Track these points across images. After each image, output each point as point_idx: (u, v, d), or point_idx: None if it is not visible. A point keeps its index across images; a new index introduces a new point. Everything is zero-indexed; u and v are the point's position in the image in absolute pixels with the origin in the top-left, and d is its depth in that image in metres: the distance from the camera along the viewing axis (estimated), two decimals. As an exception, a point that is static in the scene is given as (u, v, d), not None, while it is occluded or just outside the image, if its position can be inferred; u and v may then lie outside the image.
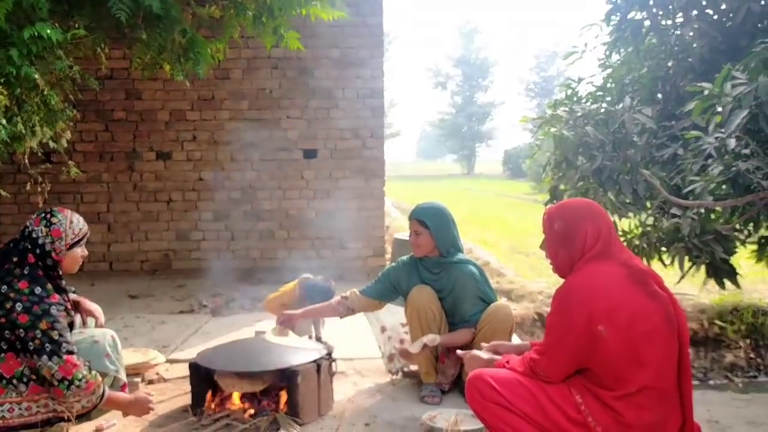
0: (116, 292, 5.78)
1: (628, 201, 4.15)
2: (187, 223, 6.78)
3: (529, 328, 4.97)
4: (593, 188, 4.23)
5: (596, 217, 2.11)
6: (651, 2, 4.48)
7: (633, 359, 1.95)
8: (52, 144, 3.90)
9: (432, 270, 3.25)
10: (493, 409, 2.10)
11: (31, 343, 2.37)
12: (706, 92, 3.27)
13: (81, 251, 2.65)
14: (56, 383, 2.38)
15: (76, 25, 3.22)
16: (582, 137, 4.10)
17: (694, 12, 4.34)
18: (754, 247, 4.13)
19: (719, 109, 3.19)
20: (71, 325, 2.68)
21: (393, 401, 3.15)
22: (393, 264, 3.44)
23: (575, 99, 4.88)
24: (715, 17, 4.33)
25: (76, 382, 2.39)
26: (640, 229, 4.26)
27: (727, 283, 4.06)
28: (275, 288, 3.78)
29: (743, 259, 4.35)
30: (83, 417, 2.55)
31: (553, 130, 4.44)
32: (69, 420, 2.48)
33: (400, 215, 11.43)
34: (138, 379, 3.31)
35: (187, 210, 6.77)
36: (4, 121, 3.03)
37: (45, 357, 2.37)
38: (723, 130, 3.19)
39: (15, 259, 2.49)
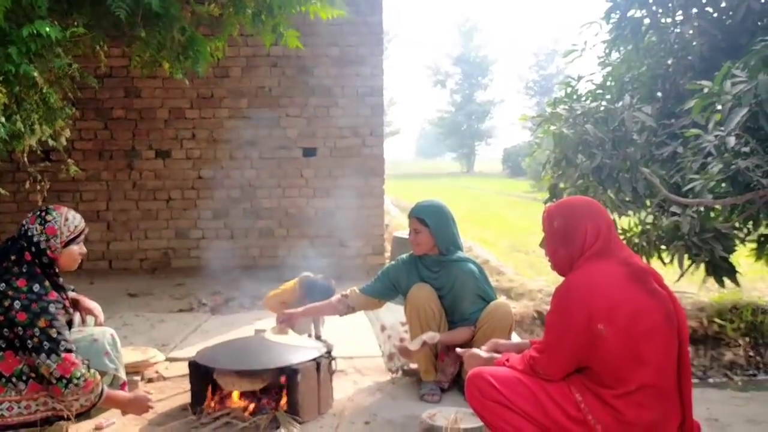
0: (115, 290, 5.78)
1: (627, 199, 4.15)
2: (186, 222, 6.78)
3: (529, 326, 4.97)
4: (593, 186, 4.23)
5: (596, 216, 2.11)
6: (651, 0, 4.48)
7: (633, 357, 1.95)
8: (51, 142, 3.89)
9: (431, 268, 3.24)
10: (493, 407, 2.10)
11: (29, 341, 2.37)
12: (705, 90, 3.27)
13: (78, 249, 2.64)
14: (54, 381, 2.38)
15: (75, 23, 3.22)
16: (582, 135, 4.10)
17: (694, 10, 4.34)
18: (754, 245, 4.14)
19: (719, 107, 3.19)
20: (70, 323, 2.68)
21: (393, 399, 3.15)
22: (392, 262, 3.44)
23: (575, 97, 4.88)
24: (715, 15, 4.33)
25: (75, 381, 2.39)
26: (640, 228, 4.26)
27: (727, 281, 4.06)
28: (275, 286, 3.78)
29: (743, 257, 4.35)
30: (83, 415, 2.55)
31: (552, 128, 4.44)
32: (68, 419, 2.48)
33: (400, 213, 11.43)
34: (137, 378, 3.31)
35: (186, 208, 6.76)
36: (3, 119, 3.02)
37: (43, 355, 2.36)
38: (723, 128, 3.19)
39: (13, 258, 2.49)
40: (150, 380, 3.41)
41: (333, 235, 6.69)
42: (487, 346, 2.48)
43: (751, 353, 4.59)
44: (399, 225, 8.66)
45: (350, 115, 6.73)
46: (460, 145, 49.05)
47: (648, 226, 4.19)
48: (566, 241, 2.11)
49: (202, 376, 2.88)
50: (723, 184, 3.56)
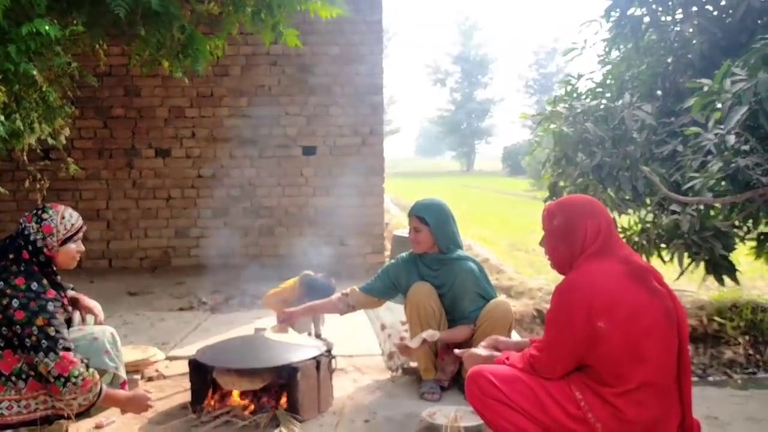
0: (115, 289, 5.77)
1: (627, 197, 4.15)
2: (186, 220, 6.78)
3: (529, 324, 4.97)
4: (593, 185, 4.22)
5: (596, 214, 2.11)
6: (651, -2, 4.49)
7: (633, 355, 1.95)
8: (50, 141, 3.89)
9: (431, 266, 3.24)
10: (493, 405, 2.10)
11: (27, 340, 2.37)
12: (705, 89, 3.27)
13: (76, 247, 2.63)
14: (52, 380, 2.38)
15: (75, 22, 3.22)
16: (581, 134, 4.10)
17: (694, 8, 4.34)
18: (753, 243, 4.15)
19: (719, 105, 3.19)
20: (69, 322, 2.68)
21: (392, 398, 3.15)
22: (392, 261, 3.44)
23: (575, 95, 4.88)
24: (715, 13, 4.33)
25: (73, 379, 2.39)
26: (640, 226, 4.27)
27: (727, 279, 4.07)
28: (275, 285, 3.78)
29: (742, 255, 4.36)
30: (83, 414, 2.55)
31: (552, 126, 4.44)
32: (69, 417, 2.48)
33: (400, 212, 11.43)
34: (137, 376, 3.30)
35: (186, 207, 6.76)
36: (2, 118, 3.02)
37: (41, 353, 2.36)
38: (722, 126, 3.19)
39: (11, 256, 2.49)
40: (150, 379, 3.41)
41: (333, 234, 6.69)
42: (486, 341, 2.48)
43: (751, 351, 4.59)
44: (399, 223, 8.67)
45: (350, 114, 6.73)
46: (460, 144, 49.06)
47: (648, 225, 4.19)
48: (566, 239, 2.11)
49: (202, 374, 2.88)
50: (723, 183, 3.56)
